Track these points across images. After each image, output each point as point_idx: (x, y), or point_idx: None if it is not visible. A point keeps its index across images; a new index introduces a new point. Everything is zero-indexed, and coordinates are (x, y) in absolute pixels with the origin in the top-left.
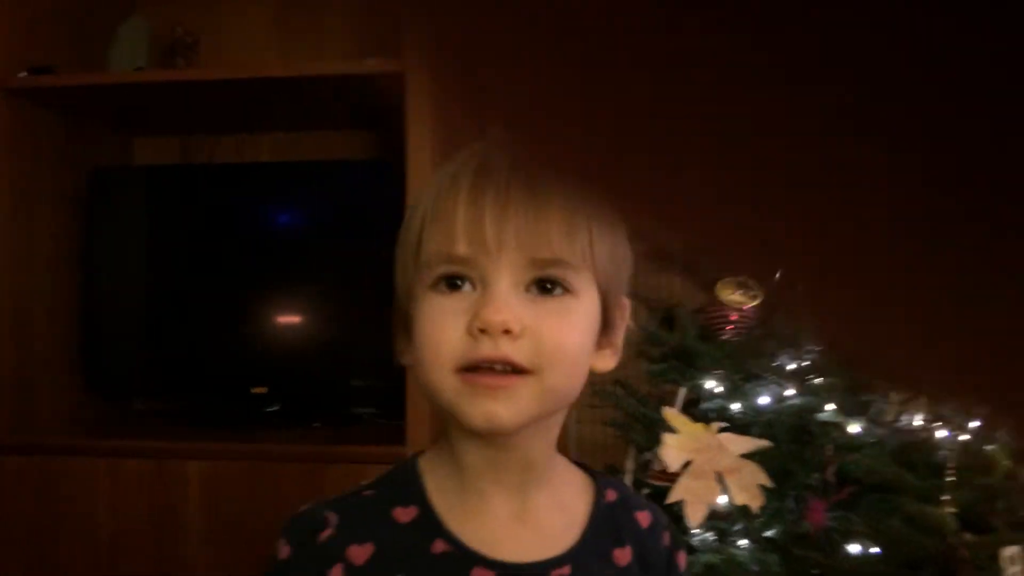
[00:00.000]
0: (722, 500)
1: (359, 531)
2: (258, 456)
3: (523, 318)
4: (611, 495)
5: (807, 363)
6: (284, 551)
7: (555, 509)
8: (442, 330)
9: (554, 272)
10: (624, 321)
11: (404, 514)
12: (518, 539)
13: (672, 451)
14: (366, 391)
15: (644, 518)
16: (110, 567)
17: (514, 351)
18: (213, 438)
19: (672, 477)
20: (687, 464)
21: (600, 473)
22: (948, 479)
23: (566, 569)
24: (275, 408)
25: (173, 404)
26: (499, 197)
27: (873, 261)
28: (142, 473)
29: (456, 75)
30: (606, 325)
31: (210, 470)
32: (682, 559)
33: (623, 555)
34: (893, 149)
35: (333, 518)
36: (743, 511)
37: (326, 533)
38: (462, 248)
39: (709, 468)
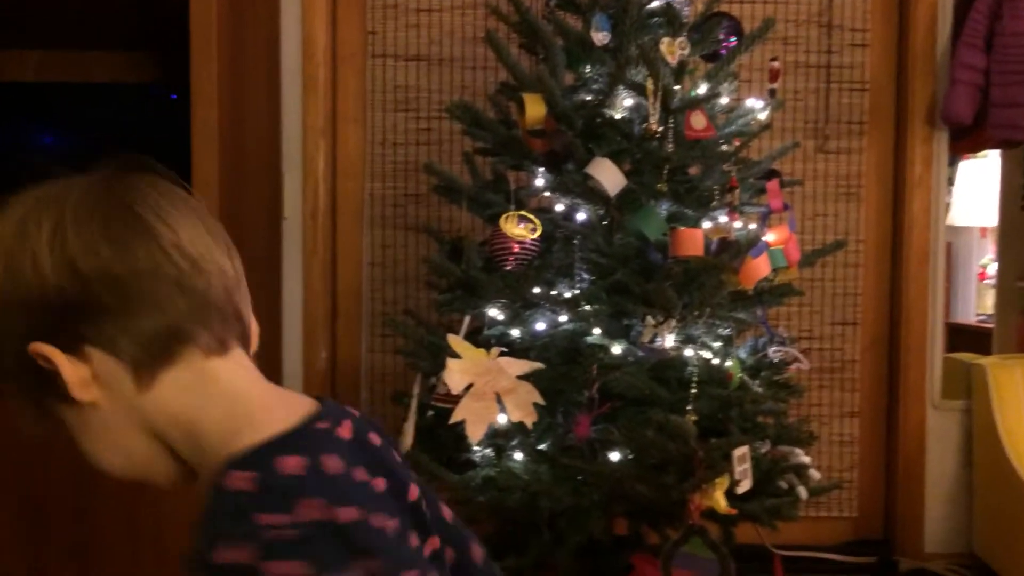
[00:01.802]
0: (500, 418)
1: None
2: None
3: None
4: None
5: (578, 292)
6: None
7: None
8: None
9: None
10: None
11: None
12: None
13: (455, 375)
14: None
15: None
16: None
17: None
18: None
19: (455, 399)
20: (469, 386)
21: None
22: (692, 392)
23: None
24: None
25: None
26: None
27: None
28: None
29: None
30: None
31: None
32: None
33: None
34: None
35: None
36: (519, 427)
37: None
38: None
39: (489, 389)
